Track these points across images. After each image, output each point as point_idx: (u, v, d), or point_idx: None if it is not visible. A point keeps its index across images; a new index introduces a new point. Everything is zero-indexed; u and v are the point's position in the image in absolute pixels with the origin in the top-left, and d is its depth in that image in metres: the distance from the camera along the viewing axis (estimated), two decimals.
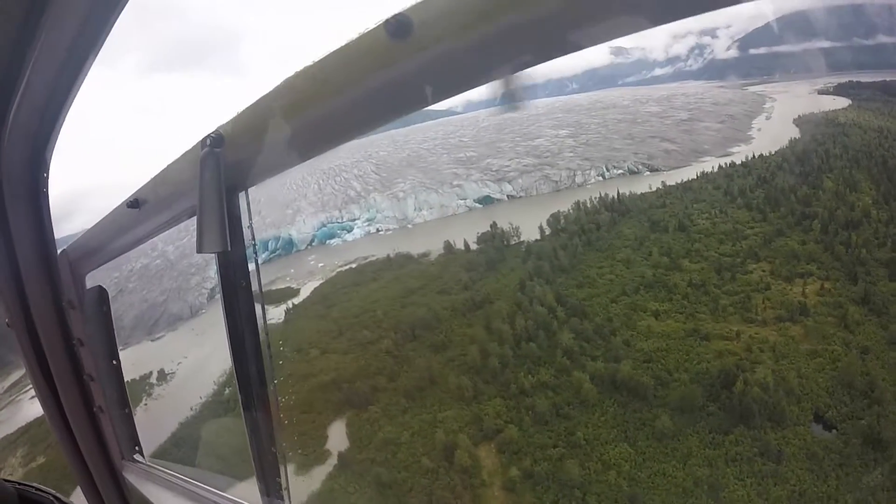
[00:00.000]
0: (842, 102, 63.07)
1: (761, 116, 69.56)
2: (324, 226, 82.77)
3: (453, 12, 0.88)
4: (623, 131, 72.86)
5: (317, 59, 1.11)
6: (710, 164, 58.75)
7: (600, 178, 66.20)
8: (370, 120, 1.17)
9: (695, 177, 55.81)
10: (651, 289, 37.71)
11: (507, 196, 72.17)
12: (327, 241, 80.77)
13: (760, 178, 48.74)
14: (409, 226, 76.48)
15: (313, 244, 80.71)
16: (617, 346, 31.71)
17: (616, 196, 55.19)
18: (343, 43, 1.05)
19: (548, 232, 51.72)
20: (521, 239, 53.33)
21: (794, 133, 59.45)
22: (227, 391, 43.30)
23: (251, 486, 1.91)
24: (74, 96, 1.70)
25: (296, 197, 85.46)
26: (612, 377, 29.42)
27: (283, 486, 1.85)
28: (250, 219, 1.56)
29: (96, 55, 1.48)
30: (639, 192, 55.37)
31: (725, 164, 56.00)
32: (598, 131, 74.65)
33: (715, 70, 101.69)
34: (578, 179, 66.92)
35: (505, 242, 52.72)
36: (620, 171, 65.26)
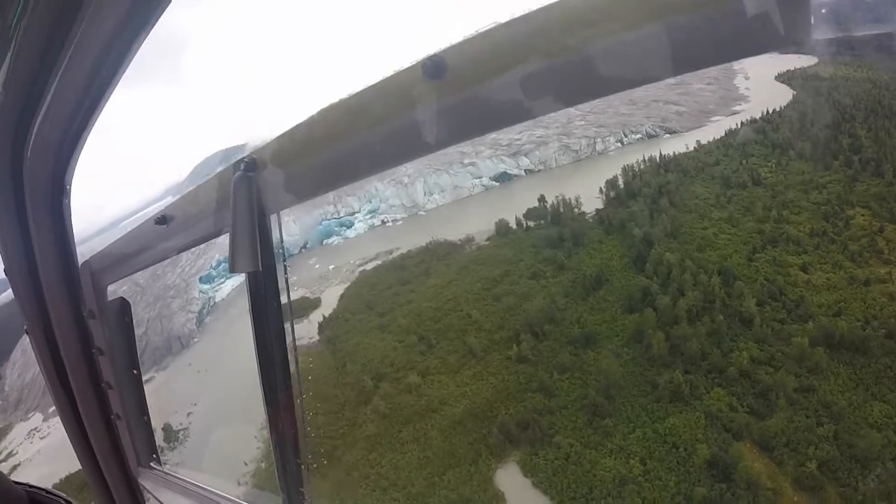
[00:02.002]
0: (808, 60, 68.35)
1: (740, 77, 73.78)
2: (317, 224, 71.04)
3: (486, 56, 0.95)
4: (623, 97, 72.12)
5: (353, 93, 1.16)
6: (727, 123, 60.48)
7: (619, 145, 65.20)
8: (401, 154, 1.22)
9: (723, 134, 56.67)
10: (776, 243, 36.56)
11: (525, 171, 67.90)
12: (324, 241, 69.69)
13: (795, 131, 50.54)
14: (422, 212, 68.53)
15: (307, 247, 68.96)
16: (805, 304, 29.52)
17: (659, 157, 54.00)
18: (379, 79, 1.11)
19: (612, 197, 48.64)
20: (583, 210, 49.60)
21: (786, 89, 63.60)
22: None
23: (273, 496, 1.92)
24: (100, 112, 1.72)
25: None
26: (825, 337, 27.05)
27: (307, 496, 1.88)
28: (282, 240, 1.61)
29: (124, 70, 1.49)
30: (680, 152, 54.80)
31: (745, 120, 57.79)
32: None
33: None
34: (599, 147, 65.09)
35: (569, 214, 48.46)
36: (639, 136, 64.73)
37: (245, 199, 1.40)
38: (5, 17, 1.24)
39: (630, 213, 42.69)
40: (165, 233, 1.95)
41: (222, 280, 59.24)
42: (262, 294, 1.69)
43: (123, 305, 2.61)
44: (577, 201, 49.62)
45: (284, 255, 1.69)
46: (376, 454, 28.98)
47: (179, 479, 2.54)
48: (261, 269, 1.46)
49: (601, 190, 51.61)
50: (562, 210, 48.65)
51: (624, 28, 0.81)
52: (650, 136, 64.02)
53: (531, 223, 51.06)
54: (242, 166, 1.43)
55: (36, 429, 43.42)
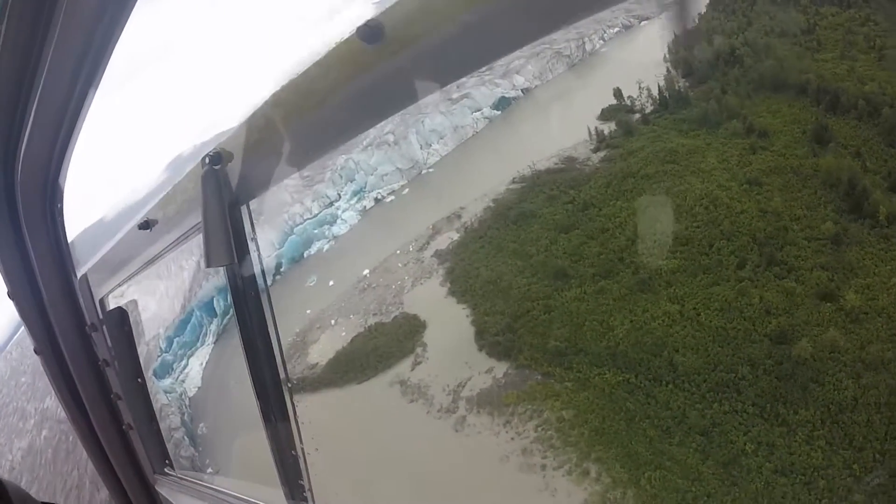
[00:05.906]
0: None
1: None
2: (287, 235, 47.56)
3: (421, 15, 0.99)
4: None
5: (299, 71, 1.19)
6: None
7: (602, 41, 62.03)
8: (357, 124, 1.27)
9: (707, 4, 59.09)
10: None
11: (522, 90, 58.38)
12: (305, 253, 47.26)
13: None
14: (428, 170, 52.10)
15: (282, 270, 45.23)
16: None
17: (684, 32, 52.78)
18: (321, 53, 1.13)
19: (704, 64, 44.64)
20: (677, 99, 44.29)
21: None
22: None
23: (277, 490, 1.92)
24: (82, 125, 1.73)
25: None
26: None
27: (307, 487, 1.87)
28: (254, 231, 1.62)
29: (100, 80, 1.51)
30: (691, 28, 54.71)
31: None
32: None
33: None
34: (588, 47, 60.56)
35: (678, 95, 42.46)
36: (617, 29, 62.66)
37: (214, 193, 1.37)
38: None
39: (767, 66, 39.03)
40: (150, 237, 1.98)
41: (184, 362, 34.83)
42: (240, 286, 1.66)
43: (122, 315, 2.72)
44: (676, 84, 43.66)
45: (258, 245, 1.65)
46: None
47: (194, 482, 2.70)
48: (236, 261, 1.42)
49: (668, 70, 47.23)
50: (667, 94, 41.95)
51: None
52: (626, 28, 63.07)
53: (611, 123, 43.14)
54: (208, 160, 1.39)
55: None
